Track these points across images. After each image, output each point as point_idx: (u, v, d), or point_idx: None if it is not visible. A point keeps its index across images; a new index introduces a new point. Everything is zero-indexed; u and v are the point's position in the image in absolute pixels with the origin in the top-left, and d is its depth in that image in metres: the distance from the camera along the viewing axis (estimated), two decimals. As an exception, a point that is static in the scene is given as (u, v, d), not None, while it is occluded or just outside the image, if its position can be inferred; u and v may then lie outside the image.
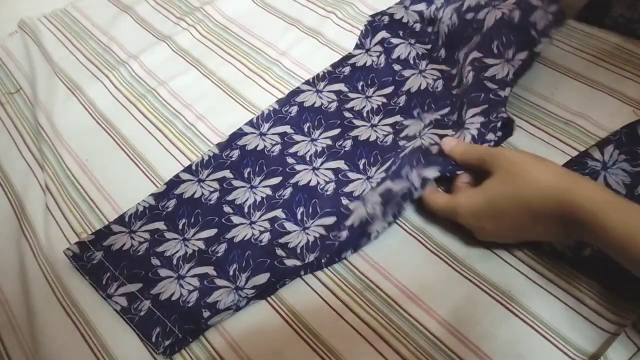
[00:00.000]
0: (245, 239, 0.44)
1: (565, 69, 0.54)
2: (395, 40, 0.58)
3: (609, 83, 0.52)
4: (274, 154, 0.50)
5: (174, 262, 0.43)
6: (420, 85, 0.54)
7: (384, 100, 0.54)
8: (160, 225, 0.46)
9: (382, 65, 0.57)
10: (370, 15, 0.60)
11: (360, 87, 0.55)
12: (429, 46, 0.57)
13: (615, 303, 0.38)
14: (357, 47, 0.59)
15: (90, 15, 0.71)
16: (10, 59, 0.67)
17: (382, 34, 0.59)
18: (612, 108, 0.50)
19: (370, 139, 0.50)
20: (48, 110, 0.58)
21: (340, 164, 0.49)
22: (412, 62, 0.56)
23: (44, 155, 0.54)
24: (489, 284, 0.40)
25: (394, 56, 0.57)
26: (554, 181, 0.32)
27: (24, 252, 0.47)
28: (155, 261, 0.43)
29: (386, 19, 0.59)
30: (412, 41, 0.58)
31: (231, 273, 0.42)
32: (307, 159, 0.49)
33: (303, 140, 0.51)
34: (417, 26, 0.58)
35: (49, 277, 0.45)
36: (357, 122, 0.52)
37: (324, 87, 0.56)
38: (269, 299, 0.42)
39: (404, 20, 0.58)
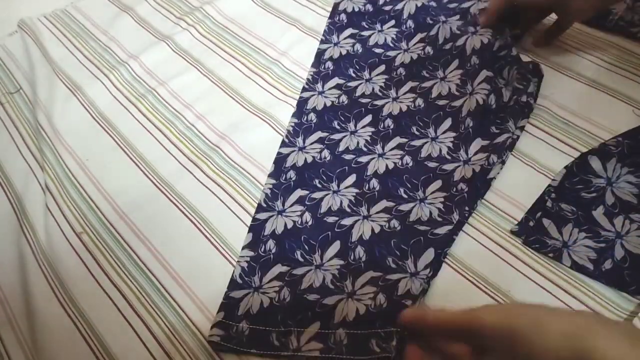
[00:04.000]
0: (377, 232, 0.43)
1: (565, 68, 0.54)
2: (366, 33, 0.60)
3: (609, 83, 0.52)
4: (328, 159, 0.49)
5: (334, 284, 0.41)
6: (411, 57, 0.55)
7: (385, 76, 0.55)
8: (280, 269, 0.43)
9: (360, 51, 0.58)
10: (328, 18, 0.61)
11: (353, 74, 0.56)
12: (396, 29, 0.58)
13: (615, 304, 0.38)
14: (322, 42, 0.61)
15: (90, 15, 0.71)
16: (10, 59, 0.67)
17: (350, 30, 0.60)
18: (612, 108, 0.50)
19: (403, 110, 0.51)
20: (48, 110, 0.58)
21: (397, 140, 0.49)
22: (392, 45, 0.58)
23: (44, 155, 0.54)
24: (489, 284, 0.40)
25: (371, 43, 0.59)
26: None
27: (24, 252, 0.47)
28: (310, 297, 0.40)
29: (344, 17, 0.61)
30: (379, 27, 0.59)
31: (400, 263, 0.41)
32: (365, 150, 0.50)
33: (344, 136, 0.51)
34: (370, 7, 0.60)
35: (49, 277, 0.45)
36: (378, 102, 0.53)
37: (323, 87, 0.56)
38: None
39: (356, 9, 0.60)
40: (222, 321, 0.40)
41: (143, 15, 0.70)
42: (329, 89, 0.56)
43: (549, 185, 0.45)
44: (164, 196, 0.49)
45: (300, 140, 0.52)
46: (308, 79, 0.57)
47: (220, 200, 0.48)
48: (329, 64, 0.58)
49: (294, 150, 0.51)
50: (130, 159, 0.53)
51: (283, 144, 0.52)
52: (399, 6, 0.59)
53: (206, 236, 0.46)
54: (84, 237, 0.47)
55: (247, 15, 0.67)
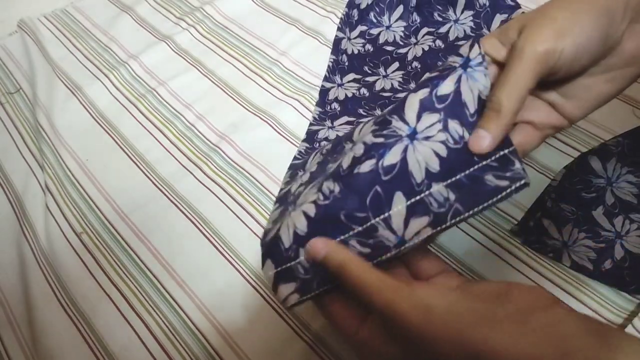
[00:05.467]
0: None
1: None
2: (374, 31, 0.62)
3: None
4: (367, 95, 0.54)
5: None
6: (423, 49, 0.57)
7: (401, 73, 0.56)
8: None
9: (371, 50, 0.60)
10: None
11: (369, 71, 0.58)
12: (404, 24, 0.61)
13: (615, 304, 0.38)
14: (339, 29, 0.62)
15: (90, 15, 0.71)
16: (10, 59, 0.67)
17: (360, 27, 0.62)
18: (611, 107, 0.50)
19: (425, 49, 0.56)
20: (48, 110, 0.58)
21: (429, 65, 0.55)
22: (400, 42, 0.60)
23: (44, 155, 0.54)
24: (489, 283, 0.40)
25: (381, 41, 0.61)
26: None
27: (24, 252, 0.47)
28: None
29: (355, 13, 0.62)
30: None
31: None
32: (397, 84, 0.55)
33: (377, 79, 0.56)
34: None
35: (49, 277, 0.45)
36: (401, 50, 0.58)
37: (341, 80, 0.59)
38: (269, 299, 0.42)
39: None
40: (277, 271, 0.28)
41: (143, 15, 0.70)
42: (348, 81, 0.58)
43: (549, 185, 0.45)
44: (164, 196, 0.49)
45: (338, 78, 0.57)
46: (329, 67, 0.59)
47: (220, 200, 0.48)
48: (344, 58, 0.60)
49: (334, 87, 0.56)
50: (130, 159, 0.53)
51: (324, 79, 0.57)
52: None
53: (206, 236, 0.46)
54: (84, 237, 0.47)
55: (247, 15, 0.67)
